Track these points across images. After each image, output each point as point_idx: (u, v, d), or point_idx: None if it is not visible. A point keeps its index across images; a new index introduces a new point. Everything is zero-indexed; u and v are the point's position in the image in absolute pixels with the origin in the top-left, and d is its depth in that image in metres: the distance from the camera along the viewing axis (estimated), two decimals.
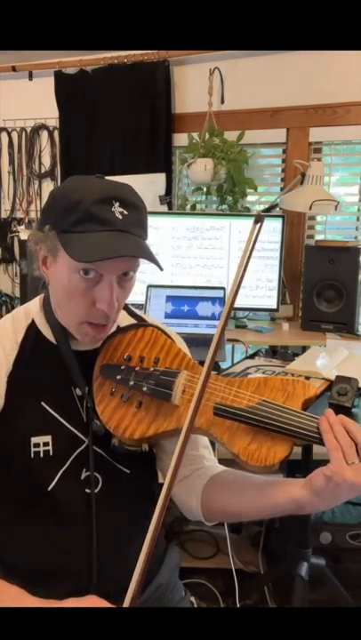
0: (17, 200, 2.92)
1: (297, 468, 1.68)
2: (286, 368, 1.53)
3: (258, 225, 0.89)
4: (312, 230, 2.59)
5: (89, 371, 0.99)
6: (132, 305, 1.13)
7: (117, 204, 0.88)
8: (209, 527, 2.22)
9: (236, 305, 2.35)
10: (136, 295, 2.14)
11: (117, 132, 2.63)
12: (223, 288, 2.19)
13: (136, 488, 1.03)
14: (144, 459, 1.03)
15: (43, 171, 2.87)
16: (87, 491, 0.97)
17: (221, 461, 1.10)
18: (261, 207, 2.58)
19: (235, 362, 2.06)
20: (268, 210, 2.48)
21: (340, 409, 1.26)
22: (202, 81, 2.49)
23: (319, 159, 2.41)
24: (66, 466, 0.96)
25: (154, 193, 2.53)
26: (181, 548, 2.12)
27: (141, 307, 2.12)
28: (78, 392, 0.99)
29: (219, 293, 2.16)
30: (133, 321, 1.09)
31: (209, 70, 2.46)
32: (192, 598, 1.19)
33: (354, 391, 1.27)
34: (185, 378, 0.96)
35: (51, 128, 2.81)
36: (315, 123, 2.43)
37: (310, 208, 2.17)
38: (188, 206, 2.55)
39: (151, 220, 2.47)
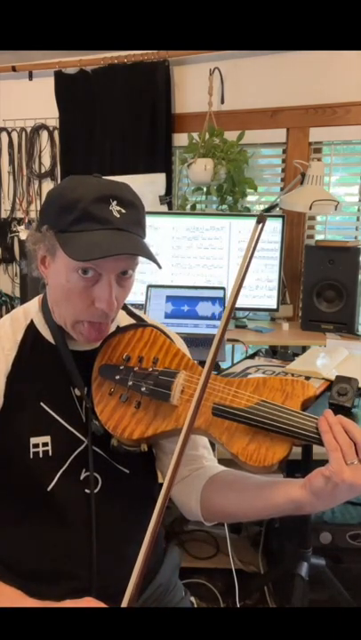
0: (17, 200, 2.92)
1: (297, 467, 1.68)
2: (286, 368, 1.53)
3: (260, 225, 0.89)
4: (312, 230, 2.59)
5: (88, 371, 0.99)
6: (132, 305, 1.13)
7: (115, 202, 0.88)
8: (209, 527, 2.22)
9: (236, 305, 2.36)
10: (136, 295, 2.15)
11: (117, 132, 2.63)
12: (223, 288, 2.19)
13: (136, 488, 1.03)
14: (143, 459, 1.03)
15: (43, 171, 2.87)
16: (87, 491, 0.97)
17: (221, 461, 1.10)
18: (261, 207, 2.58)
19: (235, 362, 2.06)
20: (268, 210, 2.47)
21: (340, 409, 1.26)
22: (202, 81, 2.49)
23: (319, 159, 2.41)
24: (65, 466, 0.96)
25: (154, 193, 2.53)
26: (181, 548, 2.13)
27: (141, 307, 2.12)
28: (77, 392, 0.99)
29: (219, 293, 2.16)
30: (133, 321, 1.08)
31: (209, 70, 2.46)
32: (192, 598, 1.19)
33: (354, 391, 1.27)
34: (183, 378, 0.95)
35: (51, 128, 2.81)
36: (315, 123, 2.43)
37: (310, 208, 2.17)
38: (188, 206, 2.55)
39: (151, 220, 2.49)
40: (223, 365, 1.90)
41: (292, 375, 1.47)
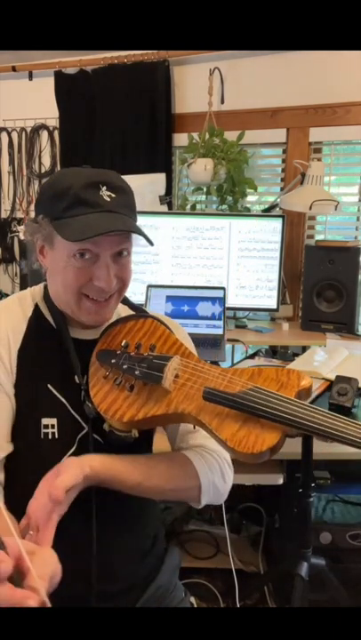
0: (17, 200, 2.92)
1: (297, 467, 1.68)
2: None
3: None
4: (312, 230, 2.59)
5: (88, 360, 1.00)
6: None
7: (105, 187, 0.92)
8: (209, 527, 2.23)
9: (236, 305, 2.38)
10: (136, 295, 2.15)
11: (117, 132, 2.63)
12: (223, 288, 2.19)
13: None
14: (141, 448, 1.04)
15: (43, 171, 2.87)
16: None
17: None
18: (261, 207, 2.58)
19: (235, 362, 2.06)
20: (268, 210, 2.48)
21: (340, 409, 1.27)
22: (202, 81, 2.49)
23: (319, 159, 2.41)
24: (71, 451, 0.97)
25: (154, 193, 2.53)
26: (181, 548, 2.12)
27: (141, 307, 2.12)
28: (80, 378, 1.00)
29: (219, 293, 2.16)
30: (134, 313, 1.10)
31: (209, 70, 2.46)
32: (192, 599, 1.19)
33: (354, 391, 1.28)
34: (177, 362, 0.96)
35: (51, 128, 2.81)
36: (315, 123, 2.44)
37: (310, 208, 2.17)
38: (188, 206, 2.55)
39: (151, 220, 2.50)
40: (223, 365, 1.90)
41: None
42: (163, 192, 2.55)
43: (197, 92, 2.53)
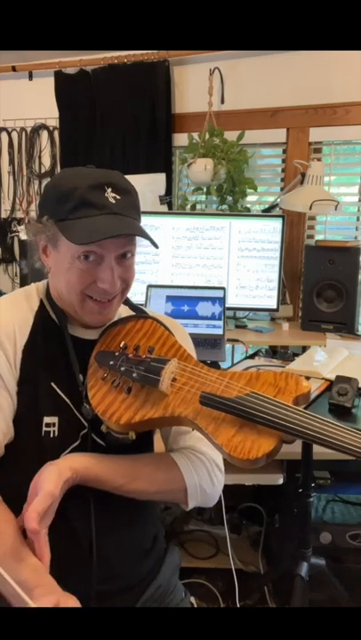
0: (17, 200, 2.92)
1: (297, 468, 1.67)
2: (286, 368, 1.53)
3: None
4: (312, 230, 2.59)
5: (88, 360, 1.00)
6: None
7: (110, 189, 0.92)
8: (209, 527, 2.23)
9: (236, 305, 2.38)
10: (136, 295, 2.15)
11: (117, 132, 2.63)
12: (223, 288, 2.19)
13: None
14: (141, 449, 1.04)
15: (43, 171, 2.87)
16: None
17: None
18: (261, 207, 2.58)
19: (235, 362, 2.06)
20: (268, 210, 2.48)
21: (340, 409, 1.26)
22: (202, 81, 2.49)
23: (319, 159, 2.41)
24: (69, 449, 0.97)
25: (154, 193, 2.53)
26: (181, 548, 2.12)
27: (142, 307, 2.12)
28: (80, 378, 1.00)
29: (219, 293, 2.16)
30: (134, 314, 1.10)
31: (209, 70, 2.46)
32: (192, 599, 1.19)
33: (354, 391, 1.27)
34: (175, 366, 0.96)
35: (51, 128, 2.81)
36: (315, 123, 2.44)
37: (310, 208, 2.17)
38: (188, 206, 2.55)
39: (151, 220, 2.49)
40: (223, 365, 1.90)
41: None
42: (163, 192, 2.55)
43: (197, 92, 2.53)
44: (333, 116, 2.40)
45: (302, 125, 2.46)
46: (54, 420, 0.98)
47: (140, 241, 0.98)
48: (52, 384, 0.99)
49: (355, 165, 2.58)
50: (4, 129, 2.88)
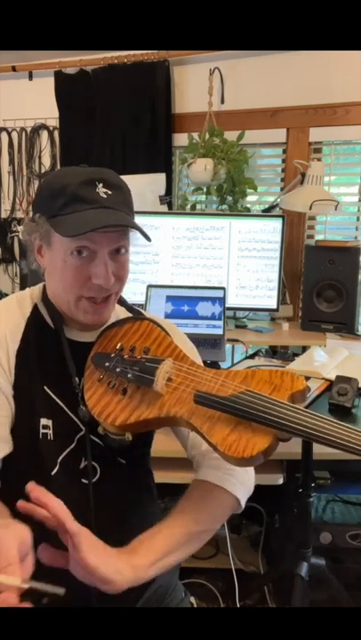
0: (17, 200, 2.92)
1: (297, 468, 1.68)
2: (286, 368, 1.53)
3: None
4: (312, 230, 2.59)
5: (84, 362, 1.00)
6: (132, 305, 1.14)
7: (101, 185, 0.93)
8: None
9: (236, 305, 2.38)
10: (136, 295, 2.15)
11: (117, 132, 2.63)
12: (223, 288, 2.19)
13: (132, 479, 1.04)
14: (138, 451, 1.04)
15: (43, 171, 2.87)
16: (84, 481, 0.98)
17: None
18: (261, 207, 2.58)
19: (235, 362, 2.06)
20: (268, 210, 2.48)
21: (340, 409, 1.26)
22: (202, 81, 2.49)
23: (319, 159, 2.41)
24: (66, 452, 0.97)
25: (154, 193, 2.53)
26: None
27: (141, 307, 2.12)
28: (76, 380, 1.00)
29: (219, 293, 2.16)
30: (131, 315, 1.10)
31: (209, 70, 2.46)
32: (192, 599, 1.19)
33: (354, 391, 1.27)
34: (170, 366, 0.95)
35: (51, 128, 2.81)
36: (315, 123, 2.44)
37: (310, 208, 2.17)
38: (188, 206, 2.55)
39: (151, 220, 2.49)
40: (223, 365, 1.90)
41: None
42: (163, 192, 2.55)
43: (197, 92, 2.53)
44: (333, 116, 2.40)
45: (302, 125, 2.46)
46: (49, 422, 0.97)
47: (136, 240, 0.98)
48: (45, 387, 0.99)
49: (355, 165, 2.58)
50: (4, 129, 2.88)
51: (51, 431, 0.97)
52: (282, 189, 2.52)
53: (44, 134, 2.84)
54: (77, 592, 0.85)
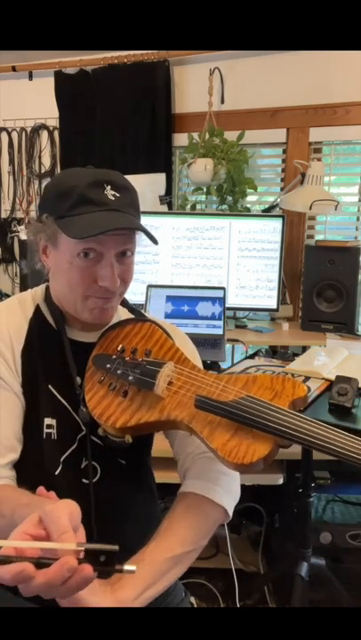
0: (17, 200, 2.92)
1: (297, 468, 1.68)
2: (286, 368, 1.53)
3: None
4: (312, 230, 2.59)
5: (86, 362, 1.00)
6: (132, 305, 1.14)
7: (109, 187, 0.93)
8: None
9: (236, 305, 2.38)
10: (136, 295, 2.15)
11: (117, 132, 2.63)
12: (223, 288, 2.19)
13: (133, 479, 1.04)
14: (138, 452, 1.04)
15: (43, 171, 2.87)
16: (85, 481, 0.98)
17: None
18: (261, 207, 2.58)
19: (235, 362, 2.06)
20: (268, 210, 2.48)
21: (340, 409, 1.26)
22: (202, 81, 2.49)
23: (319, 159, 2.41)
24: (69, 452, 0.97)
25: (154, 193, 2.53)
26: None
27: (141, 307, 2.12)
28: (78, 380, 1.00)
29: (219, 293, 2.16)
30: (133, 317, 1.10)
31: (209, 70, 2.46)
32: (192, 599, 1.19)
33: (354, 391, 1.27)
34: (171, 369, 0.95)
35: (51, 128, 2.81)
36: (315, 123, 2.44)
37: (310, 208, 2.17)
38: (188, 206, 2.55)
39: (151, 220, 2.49)
40: (223, 365, 1.90)
41: (293, 375, 1.47)
42: (163, 192, 2.55)
43: (197, 92, 2.53)
44: (333, 116, 2.40)
45: (302, 125, 2.46)
46: (53, 422, 0.98)
47: (140, 240, 0.98)
48: (50, 387, 0.99)
49: (355, 165, 2.58)
50: (4, 129, 2.88)
51: (55, 431, 0.97)
52: (282, 189, 2.52)
53: (44, 134, 2.84)
54: None
